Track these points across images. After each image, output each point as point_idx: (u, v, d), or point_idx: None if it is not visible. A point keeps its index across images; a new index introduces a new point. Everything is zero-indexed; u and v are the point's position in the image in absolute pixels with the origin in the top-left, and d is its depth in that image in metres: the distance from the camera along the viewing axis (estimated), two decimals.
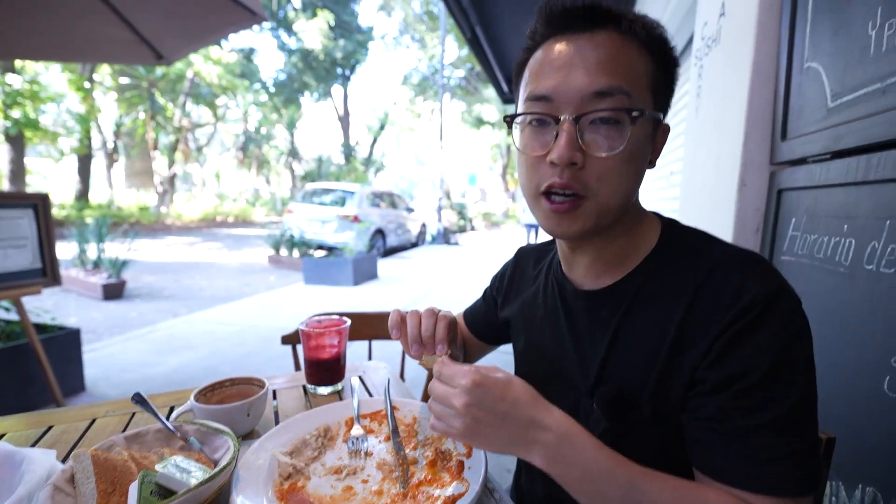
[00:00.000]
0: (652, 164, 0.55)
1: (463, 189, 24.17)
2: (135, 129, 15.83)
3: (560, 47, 0.50)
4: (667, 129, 0.55)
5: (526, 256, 0.78)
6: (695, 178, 1.54)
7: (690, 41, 1.92)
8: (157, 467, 0.51)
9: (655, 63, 0.51)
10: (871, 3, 0.74)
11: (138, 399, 0.65)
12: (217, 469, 0.51)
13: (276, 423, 0.78)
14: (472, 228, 16.63)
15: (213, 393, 0.75)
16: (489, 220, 19.62)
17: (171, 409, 0.80)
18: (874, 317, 0.70)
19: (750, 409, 0.44)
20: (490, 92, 18.30)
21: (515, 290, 0.76)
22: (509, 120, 0.55)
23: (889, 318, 0.66)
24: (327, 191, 8.72)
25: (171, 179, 17.44)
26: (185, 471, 0.52)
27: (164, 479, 0.51)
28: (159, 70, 13.95)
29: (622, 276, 0.56)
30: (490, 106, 20.77)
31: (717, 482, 0.45)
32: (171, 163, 17.22)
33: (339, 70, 21.07)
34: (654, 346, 0.51)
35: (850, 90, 0.80)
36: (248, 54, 18.58)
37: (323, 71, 20.24)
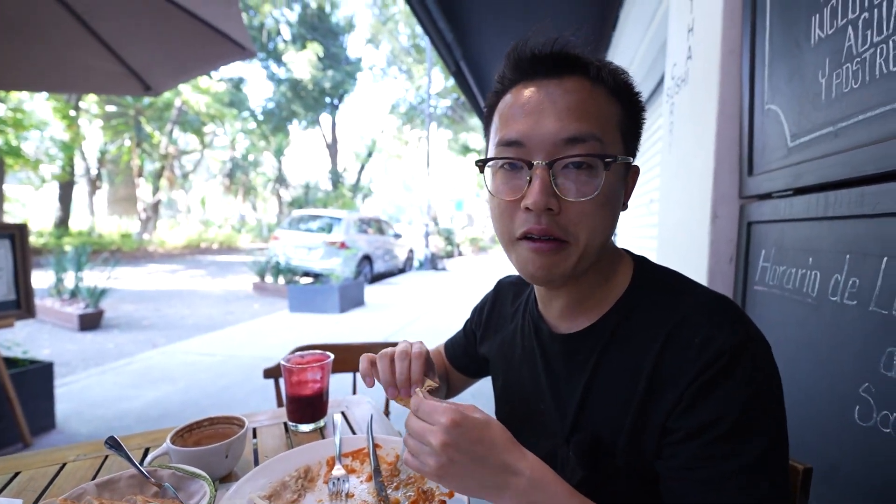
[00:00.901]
0: (625, 207, 0.56)
1: (450, 215, 24.41)
2: (119, 157, 15.73)
3: (529, 93, 0.51)
4: (637, 171, 0.56)
5: (505, 291, 0.77)
6: (671, 210, 1.60)
7: (662, 80, 2.02)
8: None
9: (623, 108, 0.52)
10: (820, 52, 0.80)
11: (112, 443, 0.63)
12: None
13: (256, 463, 0.76)
14: (460, 254, 16.71)
15: (191, 434, 0.73)
16: (477, 246, 19.76)
17: (146, 451, 0.78)
18: (842, 347, 0.72)
19: (722, 456, 0.44)
20: (475, 121, 18.76)
21: (494, 327, 0.76)
22: (481, 164, 0.55)
23: (855, 349, 0.69)
24: (314, 217, 8.72)
25: (156, 206, 17.26)
26: None
27: None
28: (147, 98, 14.01)
29: (597, 318, 0.56)
30: (475, 134, 21.24)
31: None
32: (156, 189, 17.08)
33: (327, 99, 21.42)
34: (627, 393, 0.51)
35: (807, 132, 0.85)
36: (237, 83, 18.80)
37: (311, 100, 20.55)
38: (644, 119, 0.57)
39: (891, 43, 0.64)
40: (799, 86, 0.88)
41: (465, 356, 0.84)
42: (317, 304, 5.82)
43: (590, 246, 0.51)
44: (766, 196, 1.02)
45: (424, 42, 15.69)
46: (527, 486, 0.44)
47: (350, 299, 6.07)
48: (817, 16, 0.81)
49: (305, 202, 16.20)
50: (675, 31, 1.61)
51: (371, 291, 7.42)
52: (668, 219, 1.64)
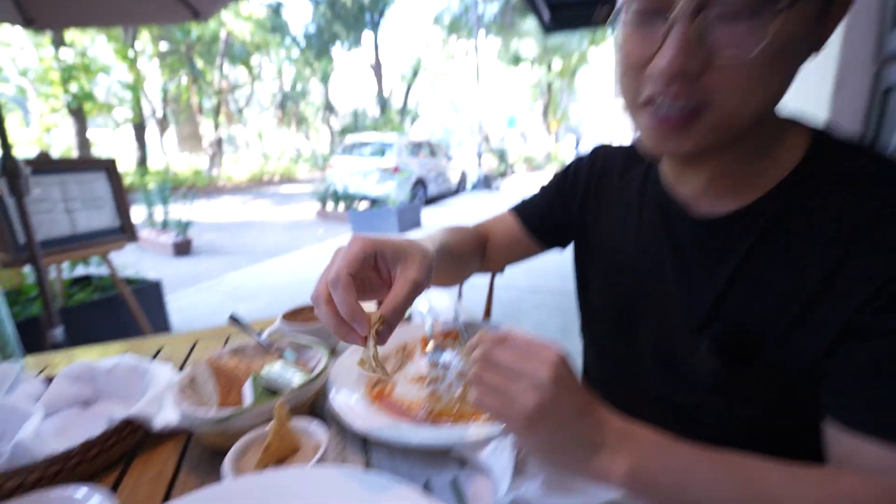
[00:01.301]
0: (817, 48, 0.41)
1: (502, 133, 23.35)
2: (179, 95, 16.32)
3: None
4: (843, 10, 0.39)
5: (609, 159, 0.66)
6: None
7: None
8: (262, 372, 0.57)
9: None
10: None
11: (234, 319, 0.70)
12: (315, 373, 0.56)
13: None
14: (513, 173, 16.21)
15: (298, 315, 0.80)
16: (530, 164, 19.00)
17: (260, 333, 0.87)
18: None
19: None
20: (528, 24, 17.04)
21: (594, 195, 0.66)
22: (606, 15, 0.43)
23: None
24: (366, 143, 8.72)
25: (219, 142, 18.06)
26: (287, 376, 0.57)
27: (270, 383, 0.56)
28: (194, 33, 14.06)
29: (751, 200, 0.46)
30: (529, 40, 19.43)
31: (858, 435, 0.38)
32: (217, 126, 17.75)
33: (367, 16, 20.29)
34: (790, 287, 0.43)
35: None
36: (276, 8, 18.21)
37: (351, 18, 19.57)
38: None
39: None
40: None
41: (543, 218, 0.73)
42: (376, 227, 6.05)
43: (736, 117, 0.39)
44: None
45: None
46: (639, 445, 0.37)
47: (408, 221, 6.22)
48: None
49: (355, 129, 16.16)
50: None
51: (427, 213, 7.53)
52: None
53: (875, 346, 0.38)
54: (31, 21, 2.33)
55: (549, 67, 22.29)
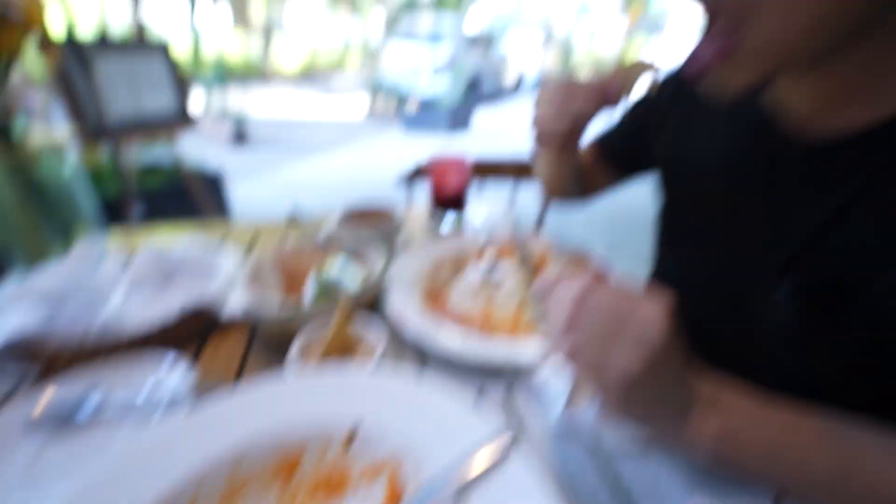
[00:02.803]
0: None
1: (571, 23, 20.64)
2: None
3: None
4: None
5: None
6: None
7: None
8: (323, 269, 0.57)
9: None
10: None
11: (294, 216, 0.70)
12: (375, 273, 0.56)
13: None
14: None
15: (354, 219, 0.79)
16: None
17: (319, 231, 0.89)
18: None
19: None
20: None
21: (679, 113, 0.58)
22: None
23: None
24: (417, 35, 8.06)
25: (268, 29, 17.35)
26: (349, 272, 0.57)
27: (330, 280, 0.56)
28: None
29: (877, 117, 0.36)
30: None
31: None
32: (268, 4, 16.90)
33: None
34: None
35: None
36: None
37: None
38: None
39: None
40: None
41: (624, 142, 0.70)
42: (428, 124, 5.89)
43: (788, 30, 0.31)
44: None
45: None
46: (730, 407, 0.33)
47: (459, 122, 6.00)
48: None
49: (410, 6, 14.77)
50: None
51: (479, 115, 7.15)
52: None
53: None
54: None
55: None
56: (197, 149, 5.27)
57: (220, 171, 3.03)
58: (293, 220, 0.71)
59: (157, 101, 2.43)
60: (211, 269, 0.65)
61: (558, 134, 0.54)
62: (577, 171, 0.72)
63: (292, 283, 0.56)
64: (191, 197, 2.64)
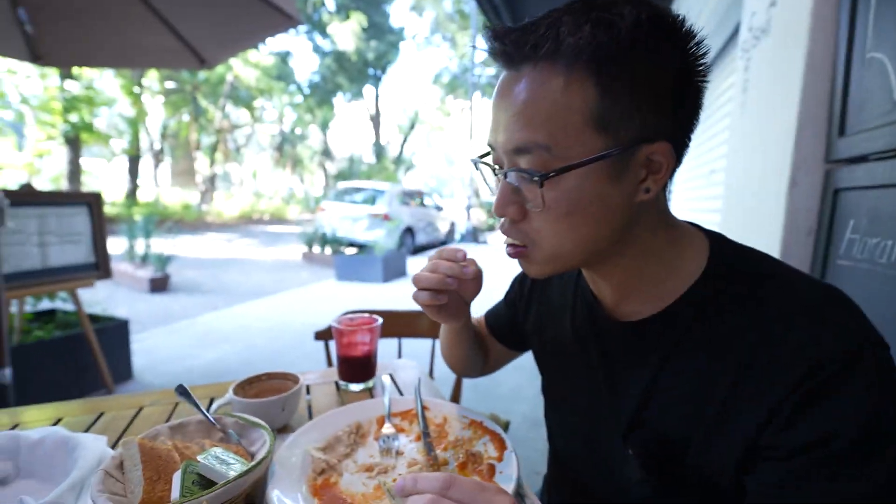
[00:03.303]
0: (648, 192, 0.44)
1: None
2: (179, 131, 16.63)
3: (496, 89, 0.45)
4: (666, 148, 0.42)
5: None
6: (740, 178, 1.46)
7: (734, 34, 1.82)
8: (199, 458, 0.53)
9: (601, 87, 0.39)
10: None
11: (182, 391, 0.67)
12: (254, 462, 0.53)
13: (310, 418, 0.79)
14: None
15: (251, 386, 0.77)
16: None
17: (211, 401, 0.83)
18: None
19: (834, 477, 0.36)
20: None
21: (537, 299, 0.70)
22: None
23: None
24: (358, 189, 8.87)
25: (212, 179, 18.25)
26: (225, 462, 0.53)
27: (205, 470, 0.52)
28: (202, 74, 14.59)
29: (664, 306, 0.48)
30: None
31: None
32: (212, 162, 18.01)
33: (371, 71, 21.37)
34: (704, 396, 0.44)
35: None
36: (283, 57, 19.12)
37: (355, 72, 20.58)
38: (672, 73, 0.41)
39: None
40: None
41: (508, 327, 0.79)
42: (362, 274, 6.01)
43: (557, 252, 0.46)
44: (861, 159, 0.90)
45: (469, 6, 15.11)
46: None
47: (393, 270, 6.21)
48: None
49: (350, 175, 16.49)
50: None
51: (413, 263, 7.54)
52: (734, 187, 1.51)
53: (786, 465, 0.38)
54: (38, 58, 2.40)
55: None
56: (111, 296, 4.93)
57: (126, 321, 2.80)
58: (180, 396, 0.67)
59: (71, 253, 2.34)
60: (68, 460, 0.58)
61: (430, 306, 0.62)
62: (476, 345, 0.78)
63: (160, 476, 0.51)
64: (88, 349, 2.38)
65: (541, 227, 0.45)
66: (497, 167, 0.49)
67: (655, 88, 0.41)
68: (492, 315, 0.83)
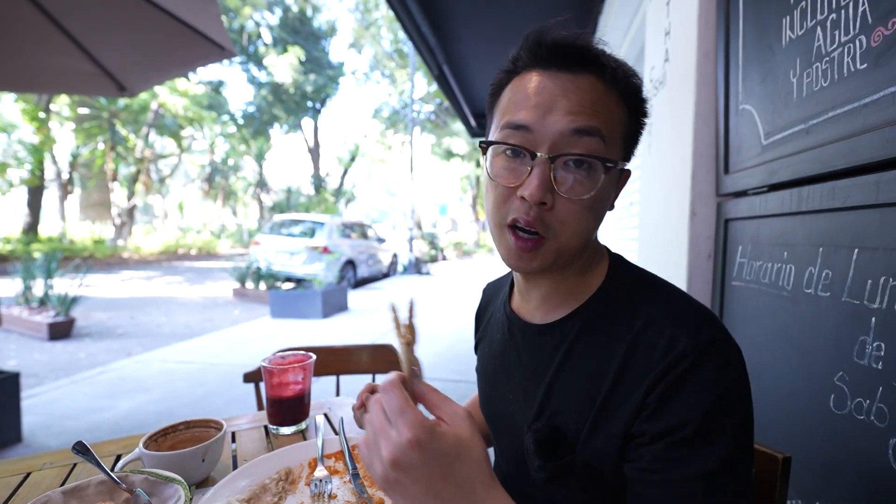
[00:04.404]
0: (611, 207, 0.56)
1: (434, 219, 24.38)
2: (93, 160, 15.23)
3: (543, 81, 0.49)
4: (628, 176, 0.55)
5: (489, 293, 0.78)
6: (651, 209, 1.62)
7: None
8: None
9: (629, 114, 0.52)
10: (791, 53, 0.83)
11: (80, 448, 0.60)
12: None
13: (235, 467, 0.73)
14: (444, 258, 16.69)
15: (165, 438, 0.70)
16: (460, 250, 19.78)
17: (118, 458, 0.75)
18: (817, 338, 0.74)
19: (683, 460, 0.43)
20: (458, 126, 18.84)
21: (482, 330, 0.75)
22: (485, 146, 0.53)
23: (829, 339, 0.71)
24: (296, 222, 8.60)
25: (131, 211, 16.80)
26: None
27: None
28: (122, 100, 13.66)
29: (570, 310, 0.55)
30: (459, 139, 21.34)
31: None
32: (131, 194, 16.63)
33: (309, 103, 21.23)
34: (593, 390, 0.50)
35: (780, 130, 0.88)
36: (216, 86, 18.49)
37: (293, 104, 20.34)
38: (644, 125, 0.55)
39: (857, 42, 0.66)
40: (771, 86, 0.90)
41: None
42: (299, 310, 5.73)
43: (571, 243, 0.51)
44: (742, 193, 1.05)
45: (407, 47, 15.71)
46: None
47: (333, 304, 5.99)
48: (788, 17, 0.84)
49: (287, 207, 15.96)
50: (652, 35, 1.65)
51: (355, 296, 7.35)
52: (648, 218, 1.67)
53: (649, 450, 0.45)
54: None
55: (478, 164, 24.42)
56: (1, 345, 4.26)
57: (16, 373, 2.43)
58: (79, 454, 0.60)
59: None
60: None
61: None
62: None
63: None
64: None
65: (565, 218, 0.49)
66: (528, 151, 0.48)
67: (639, 129, 0.54)
68: None
